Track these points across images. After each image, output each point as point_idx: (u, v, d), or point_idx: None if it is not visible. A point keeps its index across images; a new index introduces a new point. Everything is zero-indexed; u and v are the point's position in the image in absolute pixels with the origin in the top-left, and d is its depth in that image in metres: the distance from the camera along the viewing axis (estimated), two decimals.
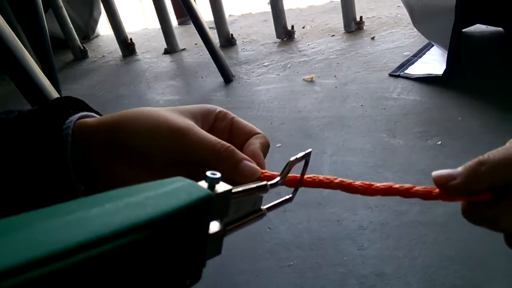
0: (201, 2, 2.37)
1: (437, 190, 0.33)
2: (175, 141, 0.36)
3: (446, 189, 0.32)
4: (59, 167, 0.37)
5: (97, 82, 2.25)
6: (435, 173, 0.33)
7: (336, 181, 0.35)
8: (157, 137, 0.36)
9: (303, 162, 0.35)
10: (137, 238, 0.19)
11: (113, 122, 0.37)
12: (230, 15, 2.70)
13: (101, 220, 0.19)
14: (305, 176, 0.36)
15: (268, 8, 2.72)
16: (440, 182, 0.33)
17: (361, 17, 2.13)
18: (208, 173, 0.25)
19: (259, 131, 0.40)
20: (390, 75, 1.63)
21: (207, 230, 0.25)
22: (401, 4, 2.11)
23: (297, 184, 0.35)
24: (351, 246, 0.95)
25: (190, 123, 0.37)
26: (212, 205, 0.24)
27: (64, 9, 2.51)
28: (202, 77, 2.01)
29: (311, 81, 1.73)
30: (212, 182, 0.25)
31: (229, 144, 0.36)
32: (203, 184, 0.25)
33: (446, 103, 1.39)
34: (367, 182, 0.35)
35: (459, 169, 0.32)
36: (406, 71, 1.63)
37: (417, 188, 0.34)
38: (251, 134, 0.40)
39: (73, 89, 2.24)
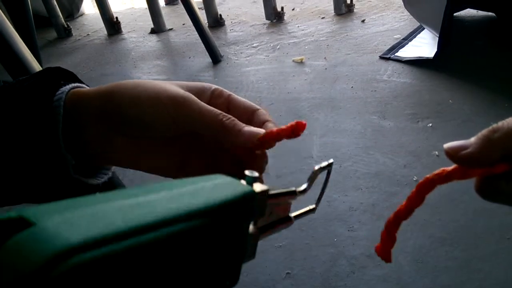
0: None
1: (448, 168, 0.31)
2: (176, 110, 0.34)
3: (458, 159, 0.31)
4: (49, 140, 0.35)
5: (81, 61, 2.20)
6: (447, 144, 0.31)
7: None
8: (157, 106, 0.34)
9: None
10: (195, 225, 0.20)
11: (109, 91, 0.36)
12: None
13: (162, 204, 0.19)
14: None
15: None
16: (452, 152, 0.31)
17: (351, 0, 2.11)
18: (247, 172, 0.26)
19: (258, 107, 0.39)
20: (381, 57, 1.62)
21: (248, 229, 0.25)
22: None
23: (320, 194, 0.35)
24: (342, 227, 0.94)
25: (189, 94, 0.36)
26: (254, 201, 0.24)
27: None
28: (189, 57, 1.97)
29: (301, 62, 1.70)
30: (251, 181, 0.25)
31: (230, 116, 0.35)
32: (243, 182, 0.26)
33: (437, 86, 1.38)
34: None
35: (472, 139, 0.31)
36: (396, 54, 1.61)
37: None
38: (250, 110, 0.39)
39: None
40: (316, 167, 0.34)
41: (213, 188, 0.23)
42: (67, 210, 0.17)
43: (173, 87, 0.36)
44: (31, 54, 1.06)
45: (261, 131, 0.36)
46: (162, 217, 0.18)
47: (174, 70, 1.91)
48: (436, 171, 0.32)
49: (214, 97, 0.39)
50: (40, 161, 0.36)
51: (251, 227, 0.26)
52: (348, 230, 0.92)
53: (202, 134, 0.36)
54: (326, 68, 1.62)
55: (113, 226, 0.16)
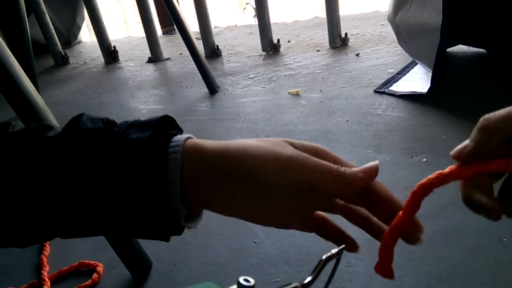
0: (187, 13, 2.36)
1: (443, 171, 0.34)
2: (297, 168, 0.36)
3: (464, 157, 0.33)
4: (165, 192, 0.36)
5: (78, 89, 2.21)
6: (452, 151, 0.34)
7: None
8: (274, 164, 0.36)
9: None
10: None
11: (223, 148, 0.37)
12: (215, 27, 2.70)
13: None
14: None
15: (253, 21, 2.74)
16: (457, 154, 0.34)
17: (346, 34, 2.15)
18: (241, 280, 0.25)
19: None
20: (375, 91, 1.65)
21: None
22: (385, 23, 2.14)
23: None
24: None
25: (299, 151, 0.37)
26: None
27: (47, 14, 2.47)
28: (186, 87, 2.00)
29: (296, 94, 1.73)
30: None
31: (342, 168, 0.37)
32: None
33: (430, 121, 1.40)
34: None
35: (470, 137, 0.34)
36: (390, 88, 1.64)
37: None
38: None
39: (54, 95, 2.20)
40: (324, 256, 0.32)
41: None
42: None
43: (284, 145, 0.37)
44: (30, 81, 1.07)
45: (374, 166, 0.37)
46: None
47: (171, 100, 1.93)
48: (431, 175, 0.34)
49: (321, 156, 0.39)
50: (151, 212, 0.36)
51: None
52: (345, 266, 0.93)
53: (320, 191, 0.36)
54: (321, 101, 1.65)
55: None
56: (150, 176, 0.36)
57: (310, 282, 0.30)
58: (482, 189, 0.33)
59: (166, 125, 0.39)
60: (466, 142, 0.33)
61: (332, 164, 0.36)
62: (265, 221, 0.39)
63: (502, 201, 0.32)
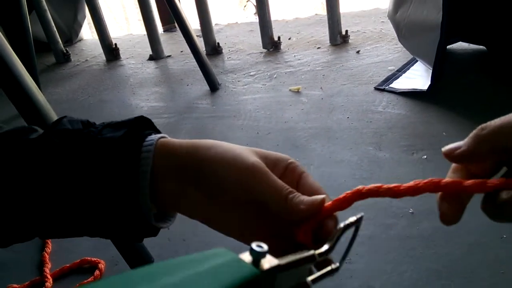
0: (187, 10, 2.36)
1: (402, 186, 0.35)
2: (247, 179, 0.36)
3: (454, 158, 0.34)
4: (135, 190, 0.37)
5: (79, 86, 2.22)
6: (444, 148, 0.35)
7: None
8: (231, 171, 0.37)
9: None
10: None
11: (195, 148, 0.38)
12: (216, 24, 2.70)
13: None
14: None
15: (253, 19, 2.74)
16: (448, 153, 0.35)
17: (346, 31, 2.16)
18: (254, 246, 0.23)
19: (324, 192, 0.40)
20: (376, 88, 1.65)
21: None
22: (385, 20, 2.14)
23: (345, 253, 0.35)
24: (339, 260, 0.94)
25: (263, 164, 0.37)
26: (259, 285, 0.23)
27: (48, 12, 2.47)
28: (187, 85, 2.00)
29: (297, 91, 1.73)
30: (258, 257, 0.23)
31: (297, 192, 0.37)
32: (248, 257, 0.23)
33: (431, 118, 1.41)
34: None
35: (465, 139, 0.34)
36: (391, 85, 1.64)
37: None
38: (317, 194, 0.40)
39: (55, 93, 2.20)
40: (342, 224, 0.31)
41: (211, 273, 0.21)
42: None
43: (250, 155, 0.38)
44: (31, 79, 1.08)
45: (317, 199, 0.36)
46: None
47: (172, 97, 1.94)
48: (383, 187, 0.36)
49: (288, 171, 0.40)
50: (122, 209, 0.38)
51: None
52: (346, 263, 0.93)
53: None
54: (322, 98, 1.65)
55: None
56: (121, 173, 0.37)
57: (328, 251, 0.30)
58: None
59: (142, 125, 0.40)
60: (460, 143, 0.34)
61: (286, 187, 0.37)
62: (224, 228, 0.40)
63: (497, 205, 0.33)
